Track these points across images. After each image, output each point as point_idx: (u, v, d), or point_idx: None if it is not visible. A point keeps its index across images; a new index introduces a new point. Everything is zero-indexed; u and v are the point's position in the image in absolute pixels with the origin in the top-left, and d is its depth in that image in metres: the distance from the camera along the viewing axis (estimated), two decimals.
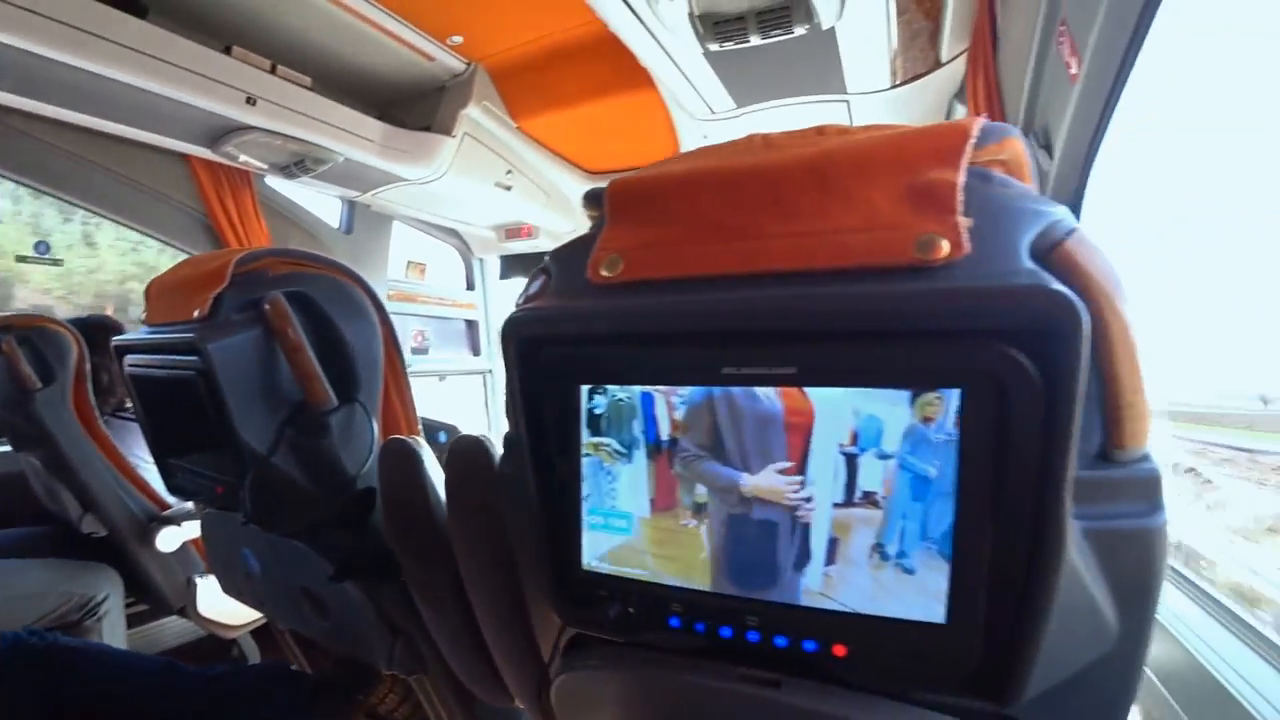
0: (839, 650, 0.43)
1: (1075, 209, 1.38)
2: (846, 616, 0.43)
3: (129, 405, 2.07)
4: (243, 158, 2.23)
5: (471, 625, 0.79)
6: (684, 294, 0.41)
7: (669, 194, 0.44)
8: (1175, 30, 0.96)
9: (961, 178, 0.38)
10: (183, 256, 2.41)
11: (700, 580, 0.46)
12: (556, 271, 0.50)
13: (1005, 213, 0.39)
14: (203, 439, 0.92)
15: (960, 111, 1.90)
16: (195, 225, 2.42)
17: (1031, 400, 0.35)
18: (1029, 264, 0.38)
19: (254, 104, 1.96)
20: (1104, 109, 1.17)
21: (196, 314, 0.84)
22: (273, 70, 2.01)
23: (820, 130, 0.45)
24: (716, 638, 0.47)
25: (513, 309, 0.48)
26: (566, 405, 0.47)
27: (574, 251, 0.49)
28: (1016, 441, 0.37)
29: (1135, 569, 0.41)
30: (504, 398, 0.55)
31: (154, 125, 2.02)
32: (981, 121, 0.42)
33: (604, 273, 0.44)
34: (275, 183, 2.62)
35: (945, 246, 0.37)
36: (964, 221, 0.37)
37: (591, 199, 0.49)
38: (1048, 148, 1.38)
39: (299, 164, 2.31)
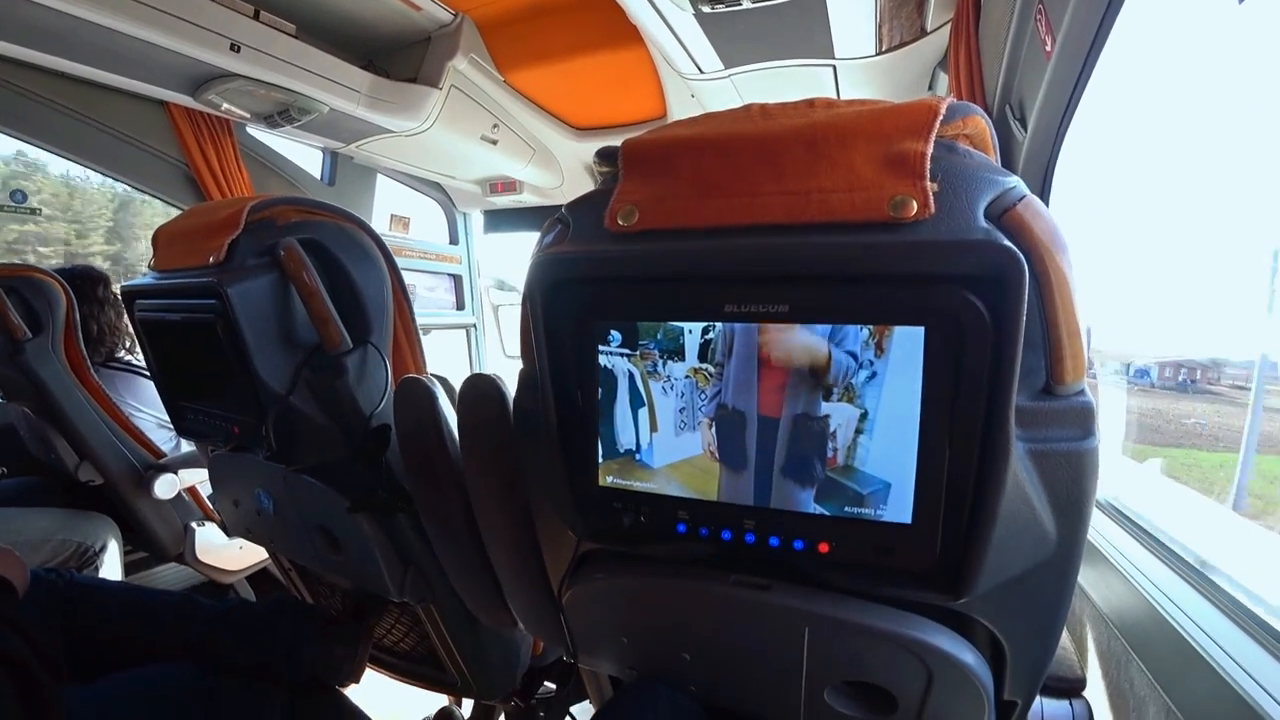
0: (823, 548, 0.52)
1: (1045, 181, 1.45)
2: (829, 519, 0.51)
3: (119, 355, 2.09)
4: (225, 106, 2.19)
5: (480, 555, 0.86)
6: (692, 241, 0.47)
7: (677, 154, 0.50)
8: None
9: (930, 148, 0.45)
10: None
11: (704, 492, 0.54)
12: (574, 221, 0.56)
13: (966, 180, 0.46)
14: (217, 381, 0.97)
15: (943, 80, 1.94)
16: (175, 174, 2.38)
17: (982, 336, 0.43)
18: (984, 224, 0.45)
19: (238, 51, 1.92)
20: (1075, 86, 1.23)
21: (212, 259, 0.88)
22: (256, 16, 1.96)
23: (811, 103, 0.51)
24: (719, 541, 0.55)
25: (533, 257, 0.54)
26: (585, 340, 0.53)
27: (590, 204, 0.55)
28: (970, 371, 0.44)
29: (1070, 485, 0.49)
30: (519, 338, 0.61)
31: (133, 71, 1.97)
32: (950, 100, 0.48)
33: (621, 221, 0.50)
34: (256, 132, 2.58)
35: (914, 206, 0.44)
36: (931, 186, 0.44)
37: (605, 156, 0.55)
38: (1022, 120, 1.44)
39: (283, 114, 2.27)
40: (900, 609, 0.55)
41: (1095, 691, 0.87)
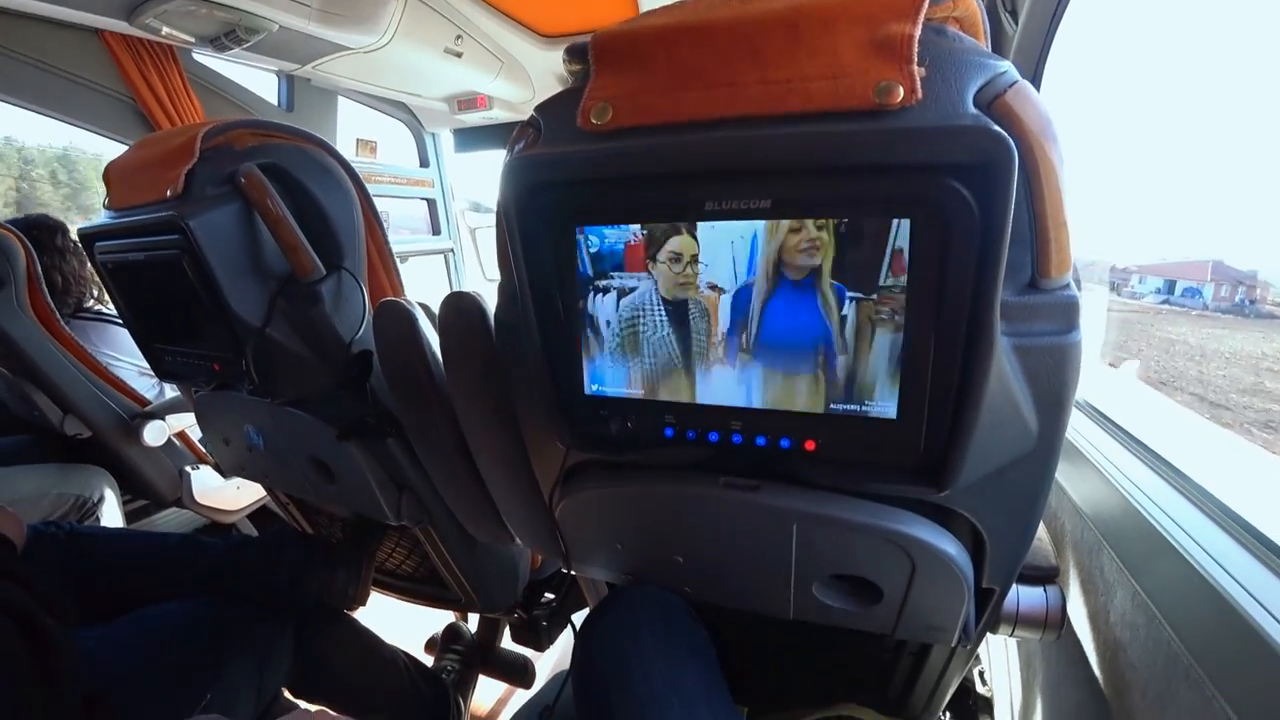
0: (810, 445, 0.52)
1: (1036, 78, 1.40)
2: (815, 416, 0.51)
3: (89, 304, 2.03)
4: (165, 30, 2.04)
5: (473, 474, 0.87)
6: (669, 137, 0.45)
7: (650, 45, 0.47)
8: None
9: (918, 31, 0.42)
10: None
11: (690, 395, 0.54)
12: (546, 123, 0.53)
13: (955, 64, 0.44)
14: (190, 319, 0.94)
15: None
16: (122, 109, 2.23)
17: (969, 227, 0.42)
18: (973, 110, 0.43)
19: None
20: None
21: (169, 192, 0.84)
22: None
23: None
24: (706, 443, 0.55)
25: (504, 163, 0.52)
26: (563, 245, 0.52)
27: (561, 104, 0.52)
28: (956, 263, 0.43)
29: (1053, 379, 0.49)
30: (496, 253, 0.59)
31: None
32: None
33: (594, 120, 0.47)
34: (204, 58, 2.41)
35: (901, 92, 0.42)
36: (918, 71, 0.42)
37: (574, 53, 0.52)
38: (1013, 12, 1.38)
39: (229, 35, 2.11)
40: (885, 504, 0.57)
41: (1067, 579, 0.92)
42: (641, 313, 0.53)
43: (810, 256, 0.46)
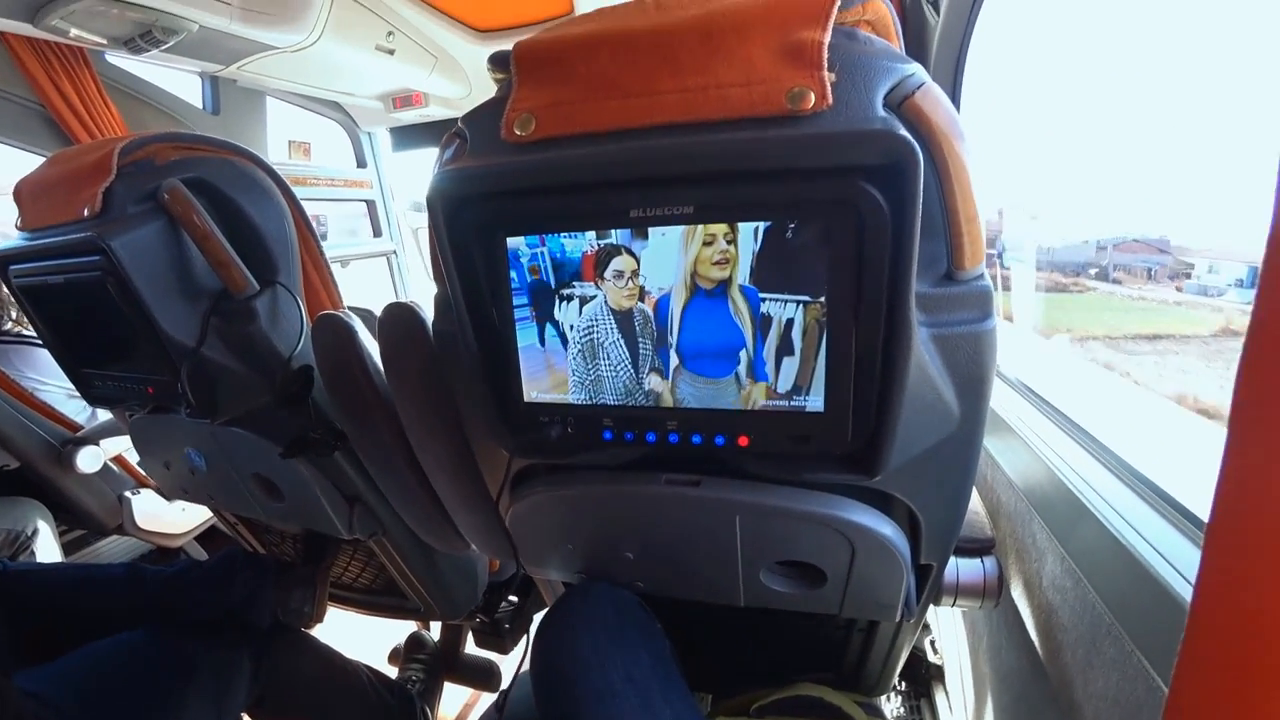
0: (743, 441, 0.54)
1: (958, 65, 1.45)
2: (746, 413, 0.53)
3: (7, 327, 1.91)
4: (74, 31, 1.92)
5: (422, 483, 0.87)
6: (591, 147, 0.46)
7: (571, 55, 0.48)
8: None
9: (827, 37, 0.44)
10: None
11: (625, 397, 0.56)
12: (471, 134, 0.53)
13: (865, 69, 0.46)
14: (119, 342, 0.91)
15: None
16: (31, 117, 2.10)
17: (881, 225, 0.44)
18: (882, 113, 0.45)
19: None
20: None
21: (86, 211, 0.80)
22: None
23: None
24: (645, 443, 0.57)
25: (432, 175, 0.52)
26: (494, 256, 0.52)
27: (486, 114, 0.52)
28: (871, 259, 0.45)
29: (970, 365, 0.52)
30: (429, 261, 0.59)
31: None
32: None
33: (517, 131, 0.48)
34: (119, 60, 2.29)
35: (812, 98, 0.44)
36: (829, 76, 0.44)
37: (497, 61, 0.52)
38: (934, 3, 1.42)
39: (145, 36, 2.00)
40: (822, 491, 0.60)
41: (1006, 549, 0.97)
42: (595, 321, 0.54)
43: (721, 269, 0.48)
